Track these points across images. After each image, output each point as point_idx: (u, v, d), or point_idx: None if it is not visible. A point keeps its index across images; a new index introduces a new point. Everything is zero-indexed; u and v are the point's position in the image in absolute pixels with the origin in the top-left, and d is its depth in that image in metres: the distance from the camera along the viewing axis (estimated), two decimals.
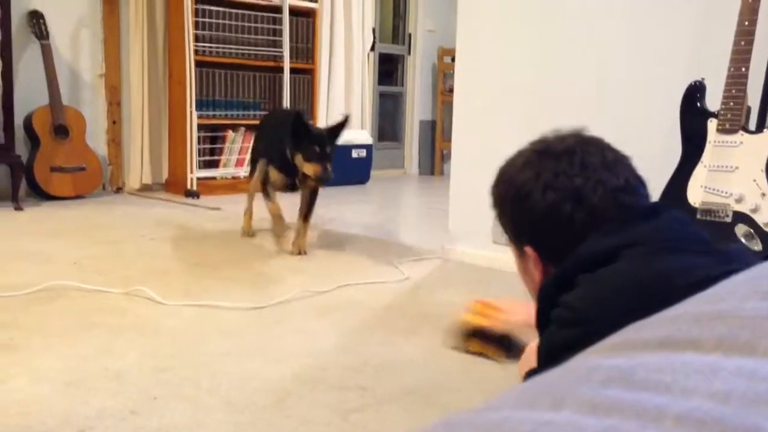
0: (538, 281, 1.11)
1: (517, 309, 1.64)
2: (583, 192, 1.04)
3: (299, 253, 2.83)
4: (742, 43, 1.88)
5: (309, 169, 2.72)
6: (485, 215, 2.73)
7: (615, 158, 1.09)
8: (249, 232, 3.19)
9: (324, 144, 2.71)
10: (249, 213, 3.22)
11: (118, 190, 4.62)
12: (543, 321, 1.01)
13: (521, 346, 1.64)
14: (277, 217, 2.93)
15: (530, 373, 1.02)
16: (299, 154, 2.72)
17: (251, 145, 3.44)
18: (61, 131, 4.09)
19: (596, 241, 1.00)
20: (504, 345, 1.68)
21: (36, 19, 4.08)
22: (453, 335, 1.78)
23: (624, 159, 1.10)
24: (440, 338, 1.85)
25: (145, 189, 4.66)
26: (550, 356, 0.92)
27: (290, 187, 2.92)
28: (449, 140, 3.04)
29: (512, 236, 1.18)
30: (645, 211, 1.04)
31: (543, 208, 1.06)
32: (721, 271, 0.82)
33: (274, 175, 2.88)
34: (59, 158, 4.09)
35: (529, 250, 1.12)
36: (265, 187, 2.94)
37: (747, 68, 1.88)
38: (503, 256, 2.64)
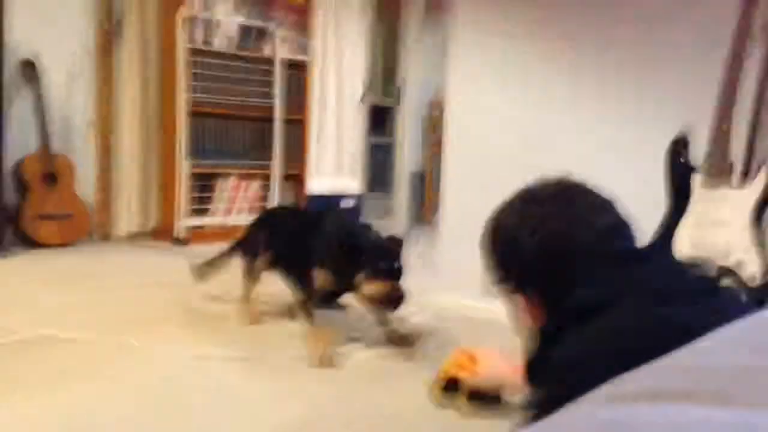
0: (533, 326, 1.10)
1: (490, 362, 1.62)
2: (569, 235, 1.05)
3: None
4: (725, 99, 1.92)
5: (372, 289, 2.10)
6: (475, 265, 2.74)
7: (601, 201, 1.10)
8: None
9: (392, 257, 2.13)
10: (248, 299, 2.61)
11: (106, 237, 4.59)
12: (533, 373, 1.00)
13: (504, 401, 1.63)
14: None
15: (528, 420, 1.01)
16: (361, 271, 2.10)
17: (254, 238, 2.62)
18: (49, 178, 4.09)
19: (584, 292, 1.00)
20: (488, 400, 1.66)
21: (29, 67, 4.11)
22: (435, 387, 1.74)
23: (610, 202, 1.11)
24: (425, 391, 1.83)
25: (132, 236, 4.63)
26: (540, 411, 0.91)
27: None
28: (438, 191, 3.06)
29: (503, 284, 1.18)
30: (634, 255, 1.04)
31: (531, 250, 1.07)
32: (703, 324, 0.83)
33: (323, 278, 2.24)
34: (47, 205, 4.08)
35: (521, 296, 1.12)
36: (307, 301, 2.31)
37: (729, 125, 1.91)
38: (493, 307, 2.63)
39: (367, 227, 2.32)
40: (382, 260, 2.09)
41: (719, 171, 1.93)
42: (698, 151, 1.99)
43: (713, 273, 1.90)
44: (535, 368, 0.99)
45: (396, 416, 1.70)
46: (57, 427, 1.54)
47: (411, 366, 2.13)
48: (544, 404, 0.91)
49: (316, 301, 2.29)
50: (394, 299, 2.08)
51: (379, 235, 2.24)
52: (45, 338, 2.20)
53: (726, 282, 1.87)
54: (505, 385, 1.58)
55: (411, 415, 1.71)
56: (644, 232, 2.01)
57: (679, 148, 2.02)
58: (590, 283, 1.00)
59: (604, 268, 1.02)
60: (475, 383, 1.63)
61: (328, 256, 2.20)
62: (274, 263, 2.54)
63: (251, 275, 2.58)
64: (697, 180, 1.97)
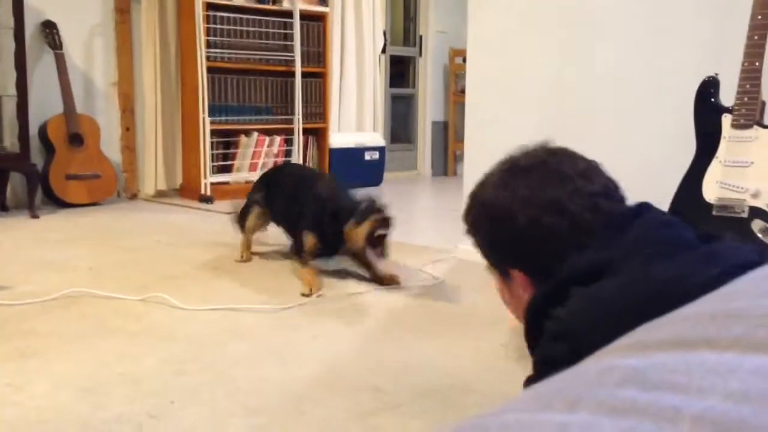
0: (527, 302, 1.07)
1: None
2: (561, 202, 1.01)
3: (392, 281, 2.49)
4: (756, 37, 1.86)
5: (361, 231, 2.36)
6: None
7: (587, 165, 1.07)
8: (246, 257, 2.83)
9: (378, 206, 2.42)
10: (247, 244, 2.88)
11: (133, 196, 4.65)
12: (534, 334, 0.99)
13: None
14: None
15: (529, 381, 1.00)
16: (348, 223, 2.39)
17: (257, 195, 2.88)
18: (75, 139, 4.13)
19: (586, 255, 0.98)
20: None
21: (49, 29, 4.12)
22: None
23: (596, 165, 1.08)
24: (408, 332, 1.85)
25: (159, 195, 4.69)
26: (546, 368, 0.90)
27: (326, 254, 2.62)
28: (462, 141, 3.04)
29: (494, 261, 1.14)
30: (627, 216, 1.01)
31: (524, 225, 1.03)
32: (708, 276, 0.81)
33: (311, 241, 2.53)
34: (74, 166, 4.13)
35: (515, 272, 1.09)
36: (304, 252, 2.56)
37: (761, 63, 1.86)
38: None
39: (349, 192, 2.57)
40: (365, 205, 2.39)
41: (749, 111, 1.88)
42: (727, 92, 1.94)
43: (744, 214, 1.87)
44: (537, 327, 0.97)
45: (410, 369, 1.72)
46: (96, 379, 1.58)
47: (431, 316, 2.14)
48: (547, 362, 0.90)
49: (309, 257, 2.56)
50: (383, 223, 2.36)
51: (359, 197, 2.51)
52: (80, 296, 2.25)
53: (758, 222, 1.84)
54: None
55: (445, 359, 1.73)
56: (674, 176, 1.99)
57: (708, 88, 1.97)
58: (583, 251, 0.98)
59: (595, 235, 1.00)
60: None
61: (315, 221, 2.49)
62: (274, 218, 2.84)
63: (243, 230, 2.87)
64: (726, 120, 1.93)
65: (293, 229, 2.70)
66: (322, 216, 2.47)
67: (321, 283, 2.41)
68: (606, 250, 0.95)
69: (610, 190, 1.06)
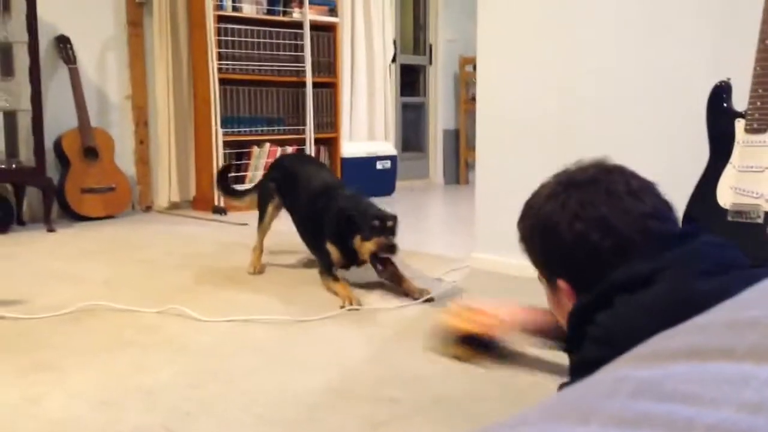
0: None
1: (504, 310, 1.62)
2: (609, 220, 1.03)
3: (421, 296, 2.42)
4: (767, 41, 1.85)
5: (369, 246, 2.39)
6: (512, 223, 2.72)
7: (640, 185, 1.07)
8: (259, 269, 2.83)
9: (383, 217, 2.41)
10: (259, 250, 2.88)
11: (147, 209, 4.68)
12: (576, 339, 0.99)
13: (509, 350, 1.64)
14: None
15: (563, 386, 1.01)
16: (357, 235, 2.41)
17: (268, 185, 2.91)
18: (90, 153, 4.16)
19: (633, 265, 0.98)
20: (492, 350, 1.67)
21: (63, 43, 4.16)
22: (439, 340, 1.75)
23: (649, 185, 1.09)
24: (422, 342, 1.85)
25: (173, 207, 4.71)
26: (583, 371, 0.90)
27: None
28: (473, 149, 3.03)
29: (543, 270, 1.16)
30: (677, 237, 1.01)
31: (571, 238, 1.05)
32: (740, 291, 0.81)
33: (335, 253, 2.52)
34: (89, 179, 4.16)
35: (561, 282, 1.10)
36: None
37: None
38: (530, 264, 2.62)
39: (367, 203, 2.55)
40: (374, 220, 2.39)
41: (763, 115, 1.87)
42: (740, 97, 1.93)
43: (759, 220, 1.85)
44: (579, 333, 0.98)
45: (423, 378, 1.72)
46: (112, 391, 1.59)
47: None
48: (586, 366, 0.91)
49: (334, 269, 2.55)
50: (384, 249, 2.37)
51: (372, 204, 2.54)
52: (95, 309, 2.26)
53: None
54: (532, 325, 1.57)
55: (458, 367, 1.72)
56: (685, 186, 1.98)
57: (720, 93, 1.97)
58: (638, 260, 0.99)
59: (643, 254, 1.00)
60: (491, 335, 1.64)
61: (335, 234, 2.49)
62: (286, 207, 2.85)
63: (266, 224, 2.86)
64: (739, 125, 1.92)
65: (314, 241, 2.66)
66: (341, 227, 2.46)
67: (356, 296, 2.36)
68: (653, 262, 0.96)
69: (662, 211, 1.06)
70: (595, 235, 1.03)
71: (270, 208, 2.84)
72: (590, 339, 0.94)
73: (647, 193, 1.06)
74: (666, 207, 1.08)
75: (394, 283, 2.51)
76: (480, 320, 1.64)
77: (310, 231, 2.68)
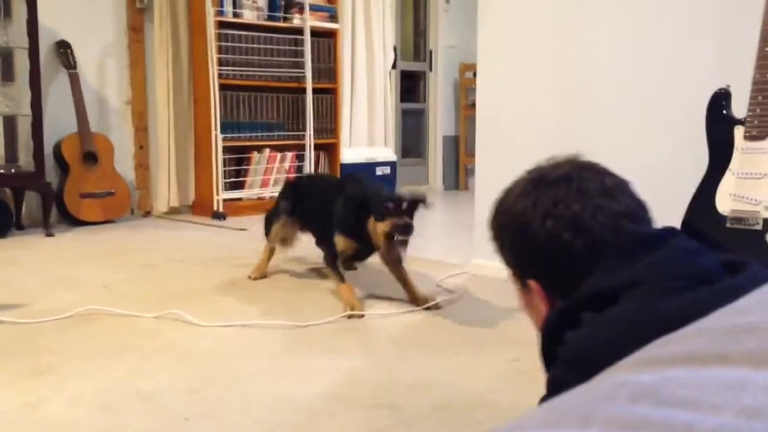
0: (544, 315, 1.06)
1: None
2: (582, 219, 1.00)
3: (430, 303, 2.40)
4: (767, 48, 1.86)
5: (382, 228, 2.29)
6: None
7: (614, 183, 1.04)
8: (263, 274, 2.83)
9: (398, 199, 2.32)
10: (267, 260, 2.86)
11: (146, 213, 4.68)
12: (548, 355, 0.98)
13: None
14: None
15: (542, 401, 1.00)
16: (370, 217, 2.33)
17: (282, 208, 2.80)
18: (90, 158, 4.17)
19: (599, 279, 0.96)
20: None
21: (63, 48, 4.17)
22: None
23: (623, 184, 1.06)
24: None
25: (172, 212, 4.71)
26: (553, 391, 0.90)
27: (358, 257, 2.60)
28: (473, 155, 3.04)
29: (514, 270, 1.13)
30: (647, 240, 0.98)
31: (542, 237, 1.02)
32: (712, 307, 0.79)
33: (342, 242, 2.45)
34: (89, 184, 4.16)
35: (532, 283, 1.08)
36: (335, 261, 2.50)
37: None
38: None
39: (381, 186, 2.51)
40: (388, 202, 2.29)
41: (762, 122, 1.87)
42: (740, 104, 1.94)
43: (758, 226, 1.86)
44: (551, 349, 0.96)
45: (424, 385, 1.72)
46: (112, 396, 1.59)
47: (445, 332, 2.14)
48: (560, 388, 0.90)
49: (342, 262, 2.52)
50: (399, 230, 2.26)
51: (389, 191, 2.47)
52: (95, 314, 2.26)
53: None
54: None
55: (459, 374, 1.72)
56: (683, 192, 1.98)
57: (720, 100, 1.97)
58: (600, 273, 0.97)
59: (615, 256, 0.98)
60: None
61: (345, 222, 2.41)
62: (302, 227, 2.79)
63: (271, 241, 2.82)
64: (739, 132, 1.92)
65: (323, 235, 2.60)
66: (351, 214, 2.38)
67: (361, 303, 2.33)
68: (620, 275, 0.93)
69: (635, 210, 1.03)
70: (567, 235, 1.00)
71: (280, 221, 2.77)
72: (560, 361, 0.93)
73: (621, 192, 1.04)
74: (640, 206, 1.05)
75: (400, 283, 2.47)
76: None
77: (320, 221, 2.60)
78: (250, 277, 2.79)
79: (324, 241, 2.59)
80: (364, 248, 2.45)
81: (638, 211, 1.04)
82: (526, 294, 1.13)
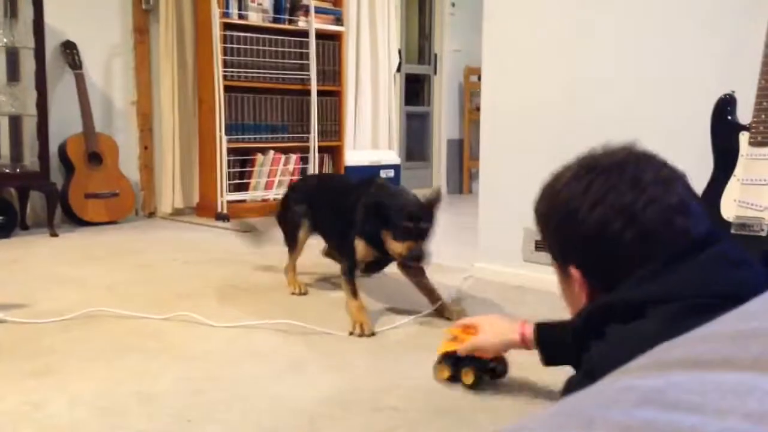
0: (583, 305, 1.03)
1: (489, 328, 1.55)
2: (634, 209, 0.96)
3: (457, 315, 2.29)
4: None
5: (397, 248, 2.18)
6: (515, 233, 2.72)
7: (670, 175, 1.00)
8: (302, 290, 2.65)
9: (418, 218, 2.17)
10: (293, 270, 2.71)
11: (151, 214, 4.69)
12: (575, 356, 0.97)
13: (492, 366, 1.63)
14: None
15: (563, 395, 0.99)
16: (387, 231, 2.19)
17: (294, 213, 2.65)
18: (94, 158, 4.18)
19: (629, 290, 0.92)
20: (475, 366, 1.64)
21: (69, 49, 4.18)
22: (435, 365, 1.74)
23: (680, 176, 1.01)
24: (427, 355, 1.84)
25: (176, 213, 4.72)
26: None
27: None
28: (477, 158, 3.04)
29: (557, 256, 1.09)
30: (694, 243, 0.93)
31: (590, 225, 0.98)
32: None
33: (363, 249, 2.31)
34: (93, 185, 4.17)
35: (574, 272, 1.04)
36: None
37: None
38: (534, 274, 2.63)
39: (403, 192, 2.34)
40: (406, 221, 2.15)
41: (767, 128, 1.87)
42: (745, 110, 1.93)
43: (763, 233, 1.85)
44: (578, 351, 0.95)
45: (426, 388, 1.71)
46: (114, 397, 1.59)
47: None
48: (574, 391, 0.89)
49: (359, 271, 2.37)
50: (413, 258, 2.17)
51: (410, 198, 2.28)
52: (98, 315, 2.26)
53: None
54: (507, 343, 1.50)
55: (447, 392, 1.72)
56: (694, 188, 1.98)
57: (725, 106, 1.97)
58: (637, 281, 0.93)
59: (658, 256, 0.93)
60: (470, 351, 1.60)
61: (365, 227, 2.27)
62: (315, 229, 2.63)
63: (293, 245, 2.66)
64: (744, 138, 1.92)
65: (342, 241, 2.41)
66: (372, 221, 2.23)
67: (370, 322, 2.17)
68: (653, 285, 0.90)
69: (689, 205, 0.99)
70: (617, 224, 0.96)
71: (303, 229, 2.61)
72: (583, 371, 0.91)
73: (676, 184, 0.99)
74: (695, 201, 1.00)
75: (423, 293, 2.36)
76: (463, 338, 1.62)
77: (339, 227, 2.43)
78: (294, 293, 2.60)
79: (343, 247, 2.42)
80: (384, 257, 2.31)
81: (693, 205, 0.99)
82: (565, 280, 1.08)
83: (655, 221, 0.96)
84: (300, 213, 2.62)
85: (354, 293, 2.27)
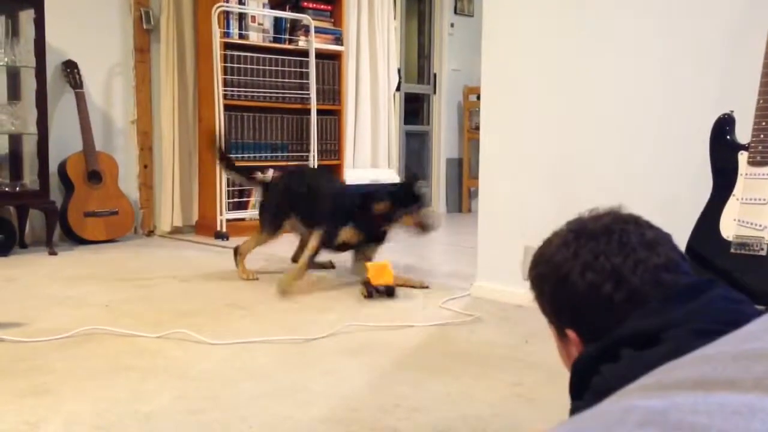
0: None
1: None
2: (622, 272, 1.01)
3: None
4: None
5: (410, 220, 2.95)
6: (514, 252, 2.72)
7: (654, 236, 1.05)
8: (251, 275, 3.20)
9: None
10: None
11: (150, 233, 4.68)
12: (578, 387, 0.98)
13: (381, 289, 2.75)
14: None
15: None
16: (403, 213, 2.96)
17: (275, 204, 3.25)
18: (94, 177, 4.18)
19: (640, 318, 0.96)
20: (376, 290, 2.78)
21: (70, 68, 4.20)
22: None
23: (664, 236, 1.07)
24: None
25: (175, 232, 4.72)
26: None
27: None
28: (476, 178, 3.05)
29: (552, 318, 1.14)
30: (688, 289, 0.98)
31: (582, 289, 1.03)
32: None
33: (349, 233, 2.98)
34: (93, 203, 4.17)
35: (570, 333, 1.09)
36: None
37: None
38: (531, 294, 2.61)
39: (380, 184, 3.15)
40: (408, 198, 2.97)
41: (766, 148, 1.87)
42: (744, 130, 1.94)
43: (763, 252, 1.85)
44: (582, 382, 0.96)
45: (425, 408, 1.70)
46: (110, 417, 1.58)
47: (446, 354, 2.13)
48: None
49: (333, 248, 3.02)
50: (425, 226, 2.95)
51: (394, 184, 3.25)
52: (96, 333, 2.25)
53: None
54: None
55: (460, 397, 1.71)
56: (689, 217, 1.98)
57: (724, 126, 1.97)
58: (640, 314, 0.97)
59: (657, 302, 0.98)
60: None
61: (351, 214, 2.94)
62: (294, 214, 3.17)
63: (271, 236, 3.19)
64: (743, 158, 1.92)
65: (318, 226, 3.00)
66: (356, 207, 2.94)
67: (282, 285, 2.81)
68: (660, 317, 0.93)
69: (675, 263, 1.04)
70: (608, 287, 1.01)
71: (285, 222, 3.20)
72: (593, 390, 0.92)
73: (661, 245, 1.04)
74: (681, 259, 1.05)
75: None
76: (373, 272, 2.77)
77: (319, 213, 3.03)
78: (242, 277, 3.15)
79: (321, 231, 2.96)
80: (368, 237, 3.00)
81: (679, 263, 1.04)
82: (563, 342, 1.14)
83: (644, 282, 1.01)
84: (282, 203, 3.16)
85: (304, 271, 2.91)
